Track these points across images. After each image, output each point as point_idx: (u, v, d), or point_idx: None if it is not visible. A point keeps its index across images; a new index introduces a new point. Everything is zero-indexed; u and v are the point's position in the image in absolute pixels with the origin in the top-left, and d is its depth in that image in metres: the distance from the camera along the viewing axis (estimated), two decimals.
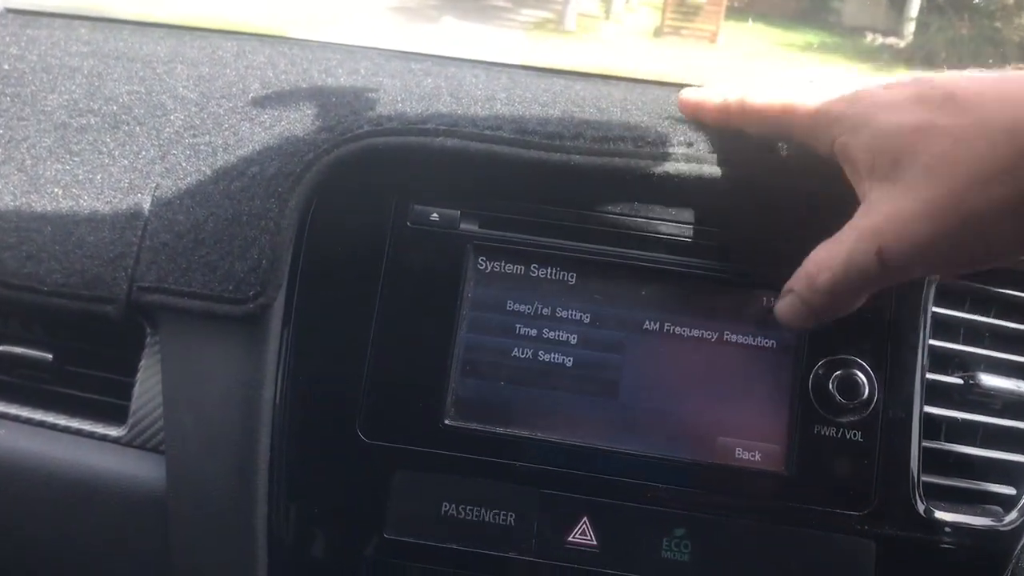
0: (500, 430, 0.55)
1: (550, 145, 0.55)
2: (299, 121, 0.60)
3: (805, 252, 0.51)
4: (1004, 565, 0.53)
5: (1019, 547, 0.53)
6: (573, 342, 0.55)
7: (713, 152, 0.55)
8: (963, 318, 0.57)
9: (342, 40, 0.79)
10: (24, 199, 0.60)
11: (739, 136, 0.55)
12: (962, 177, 0.41)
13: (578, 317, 0.56)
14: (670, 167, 0.55)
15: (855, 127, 0.46)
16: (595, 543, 0.54)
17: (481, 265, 0.56)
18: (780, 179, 0.55)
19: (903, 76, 0.47)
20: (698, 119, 0.58)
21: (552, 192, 0.57)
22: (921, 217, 0.42)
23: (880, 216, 0.43)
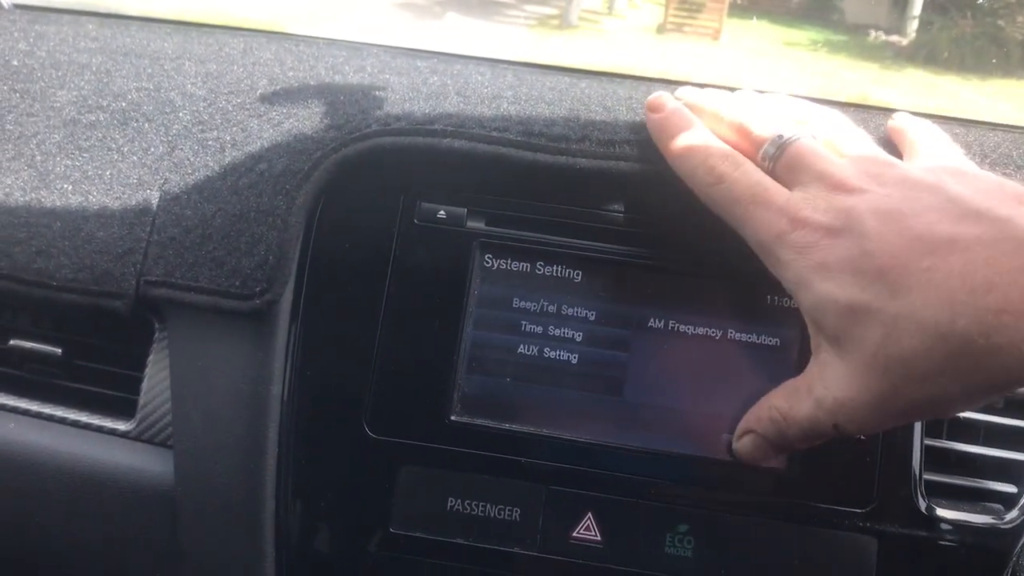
0: (506, 426, 0.55)
1: (556, 148, 0.56)
2: (307, 119, 0.60)
3: None
4: (1005, 563, 0.54)
5: (1020, 545, 0.54)
6: (578, 339, 0.56)
7: None
8: None
9: (347, 37, 0.79)
10: (34, 195, 0.60)
11: None
12: (899, 374, 0.41)
13: (583, 315, 0.56)
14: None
15: (798, 282, 0.45)
16: (599, 539, 0.54)
17: (487, 263, 0.57)
18: None
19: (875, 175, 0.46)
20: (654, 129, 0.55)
21: (558, 192, 0.57)
22: (867, 408, 0.43)
23: (832, 397, 0.44)
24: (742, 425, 0.51)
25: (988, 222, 0.41)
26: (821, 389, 0.45)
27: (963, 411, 0.51)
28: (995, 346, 0.38)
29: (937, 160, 0.50)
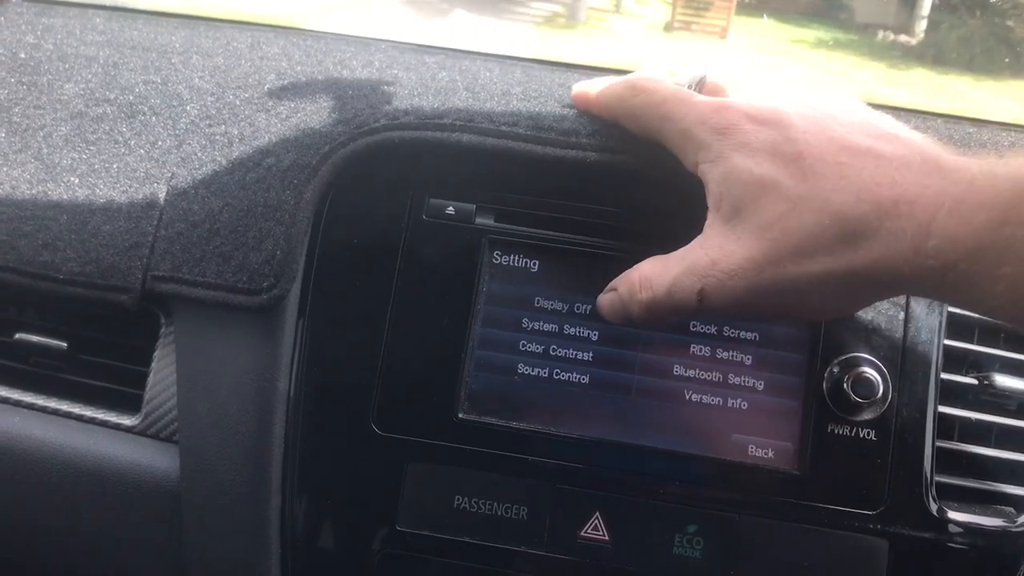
0: (513, 424, 0.55)
1: (566, 142, 0.55)
2: (315, 113, 0.60)
3: None
4: (1016, 566, 0.53)
5: None
6: (588, 337, 0.55)
7: None
8: (978, 318, 0.57)
9: (354, 32, 0.78)
10: (40, 187, 0.60)
11: None
12: (786, 245, 0.43)
13: (592, 312, 0.56)
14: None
15: (714, 159, 0.46)
16: (607, 538, 0.54)
17: (496, 259, 0.56)
18: None
19: (806, 99, 0.48)
20: (586, 111, 0.58)
21: (568, 188, 0.57)
22: (741, 273, 0.44)
23: (708, 258, 0.45)
24: (611, 283, 0.52)
25: (902, 143, 0.44)
26: (699, 253, 0.46)
27: (830, 315, 0.51)
28: (887, 231, 0.40)
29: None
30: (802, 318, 0.54)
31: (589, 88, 0.57)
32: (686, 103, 0.49)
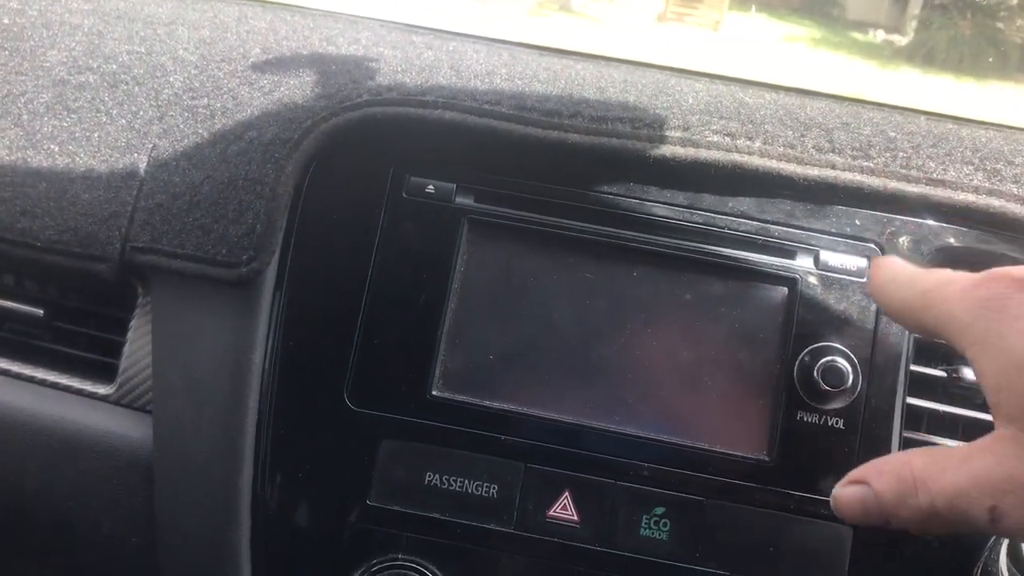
0: (486, 403, 0.55)
1: (548, 123, 0.56)
2: (298, 88, 0.60)
3: (797, 241, 0.52)
4: (977, 556, 0.54)
5: (992, 538, 0.54)
6: (563, 320, 0.56)
7: (709, 137, 0.56)
8: None
9: (343, 9, 0.78)
10: (20, 154, 0.59)
11: (739, 124, 0.56)
12: None
13: (568, 295, 0.56)
14: (666, 150, 0.55)
15: (982, 341, 0.38)
16: (576, 518, 0.54)
17: (475, 239, 0.57)
18: (774, 169, 0.56)
19: None
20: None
21: (548, 169, 0.57)
22: None
23: (1003, 470, 0.36)
24: (856, 472, 0.43)
25: None
26: (989, 461, 0.36)
27: None
28: None
29: None
30: None
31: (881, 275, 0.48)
32: (950, 282, 0.42)
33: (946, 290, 0.41)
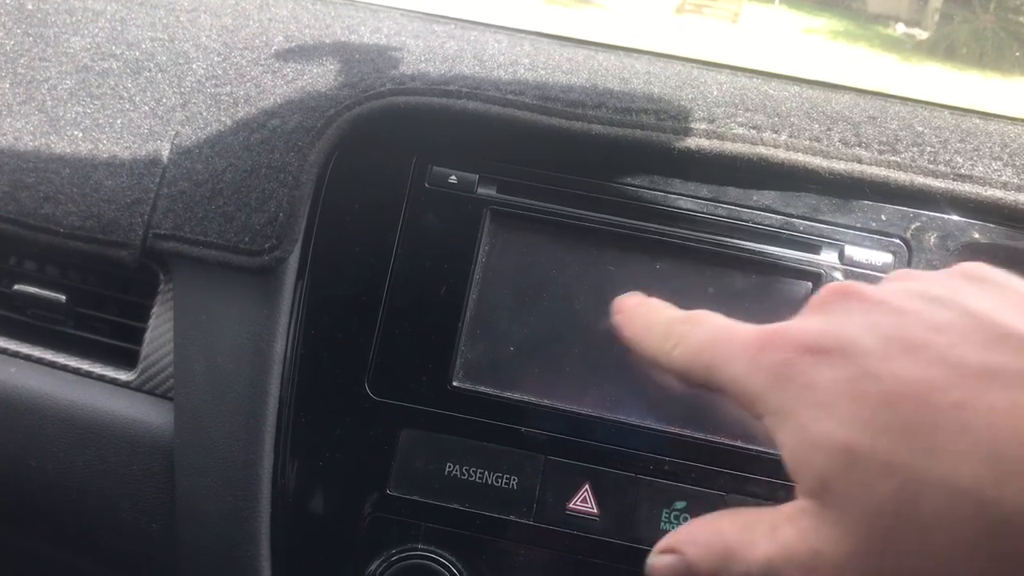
0: (507, 394, 0.55)
1: (571, 113, 0.55)
2: (321, 76, 0.59)
3: (822, 236, 0.51)
4: None
5: None
6: (585, 312, 0.56)
7: (735, 130, 0.55)
8: None
9: None
10: (43, 140, 0.60)
11: (763, 116, 0.55)
12: (912, 543, 0.30)
13: (590, 287, 0.56)
14: (692, 142, 0.55)
15: (779, 416, 0.34)
16: (596, 511, 0.54)
17: (496, 230, 0.56)
18: (800, 162, 0.55)
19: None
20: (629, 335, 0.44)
21: (571, 160, 0.57)
22: (854, 566, 0.31)
23: (807, 545, 0.33)
24: (667, 540, 0.38)
25: None
26: (791, 534, 0.34)
27: None
28: None
29: (938, 274, 0.37)
30: None
31: (624, 317, 0.44)
32: (730, 340, 0.38)
33: (727, 349, 0.38)
